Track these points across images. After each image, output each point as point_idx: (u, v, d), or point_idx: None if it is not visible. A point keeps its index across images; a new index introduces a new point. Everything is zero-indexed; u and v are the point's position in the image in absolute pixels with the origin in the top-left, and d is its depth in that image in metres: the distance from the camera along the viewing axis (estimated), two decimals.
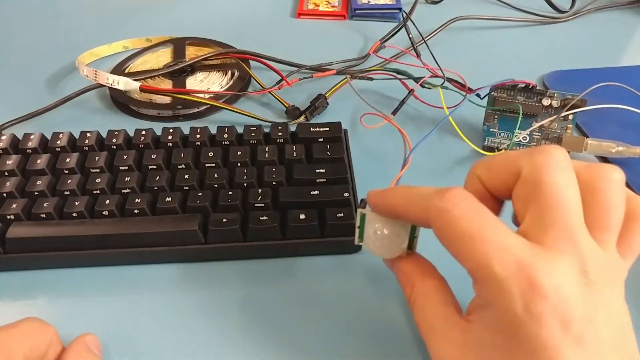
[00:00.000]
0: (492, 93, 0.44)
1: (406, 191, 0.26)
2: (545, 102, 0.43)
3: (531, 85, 0.43)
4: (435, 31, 0.58)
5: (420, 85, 0.47)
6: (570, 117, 0.43)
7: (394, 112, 0.46)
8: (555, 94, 0.43)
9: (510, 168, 0.24)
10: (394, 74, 0.49)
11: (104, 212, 0.35)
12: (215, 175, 0.37)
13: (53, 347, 0.27)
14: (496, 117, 0.45)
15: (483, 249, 0.22)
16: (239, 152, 0.39)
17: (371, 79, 0.51)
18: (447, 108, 0.47)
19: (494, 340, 0.22)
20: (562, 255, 0.22)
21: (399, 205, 0.26)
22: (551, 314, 0.21)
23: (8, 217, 0.35)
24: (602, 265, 0.22)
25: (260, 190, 0.36)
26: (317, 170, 0.38)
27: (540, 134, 0.43)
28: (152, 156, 0.39)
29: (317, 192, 0.36)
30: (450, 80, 0.47)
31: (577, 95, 0.42)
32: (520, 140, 0.43)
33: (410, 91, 0.48)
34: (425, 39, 0.54)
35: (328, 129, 0.41)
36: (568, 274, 0.21)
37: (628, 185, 0.41)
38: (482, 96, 0.45)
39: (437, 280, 0.28)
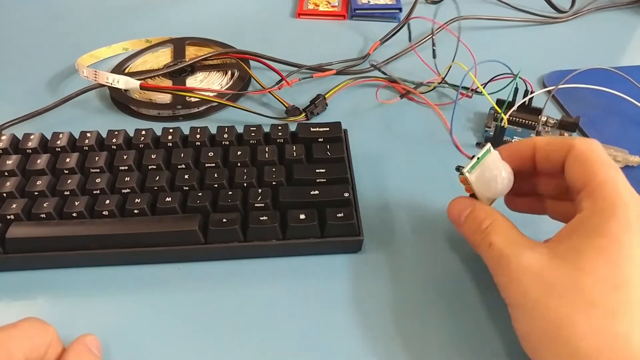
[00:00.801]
0: (491, 111, 0.46)
1: (544, 137, 0.32)
2: (542, 118, 0.45)
3: (531, 91, 0.44)
4: (437, 30, 0.58)
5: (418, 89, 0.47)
6: (566, 134, 0.44)
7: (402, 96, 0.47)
8: (549, 116, 0.45)
9: (564, 141, 0.30)
10: (390, 80, 0.50)
11: (104, 212, 0.35)
12: (215, 175, 0.37)
13: (53, 347, 0.27)
14: (494, 123, 0.45)
15: (614, 173, 0.27)
16: (239, 152, 0.39)
17: (370, 77, 0.51)
18: (443, 104, 0.48)
19: (590, 242, 0.25)
20: None
21: (538, 143, 0.31)
22: None
23: (8, 217, 0.35)
24: None
25: (260, 190, 0.36)
26: (317, 170, 0.38)
27: None
28: (152, 156, 0.39)
29: (317, 192, 0.36)
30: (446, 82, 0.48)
31: (571, 117, 0.45)
32: None
33: (404, 95, 0.48)
34: (435, 32, 0.54)
35: (328, 129, 0.41)
36: None
37: None
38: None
39: (514, 224, 0.30)
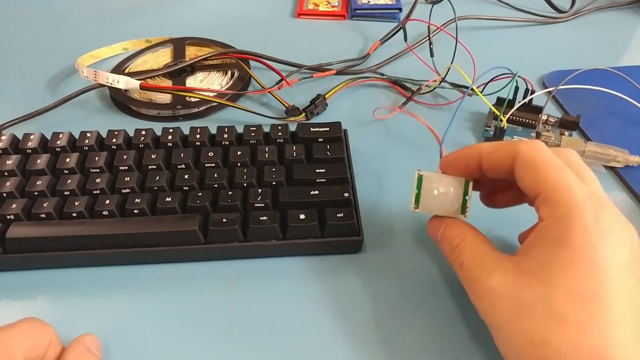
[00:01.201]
0: (491, 110, 0.45)
1: (489, 143, 0.31)
2: (543, 117, 0.45)
3: (531, 91, 0.44)
4: (435, 31, 0.58)
5: (419, 92, 0.47)
6: (566, 133, 0.44)
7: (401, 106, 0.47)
8: (549, 115, 0.45)
9: (509, 148, 0.29)
10: (391, 82, 0.50)
11: (104, 212, 0.35)
12: (215, 175, 0.37)
13: (52, 347, 0.27)
14: (494, 122, 0.45)
15: (566, 176, 0.26)
16: (239, 152, 0.39)
17: (370, 77, 0.51)
18: (442, 105, 0.48)
19: (555, 255, 0.25)
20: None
21: (483, 151, 0.30)
22: (612, 235, 0.25)
23: (8, 217, 0.35)
24: None
25: (260, 190, 0.36)
26: (317, 170, 0.38)
27: None
28: (152, 156, 0.39)
29: (317, 192, 0.36)
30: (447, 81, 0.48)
31: (572, 116, 0.45)
32: None
33: (409, 98, 0.48)
34: (434, 33, 0.54)
35: (328, 129, 0.41)
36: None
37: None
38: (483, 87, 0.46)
39: (485, 237, 0.30)
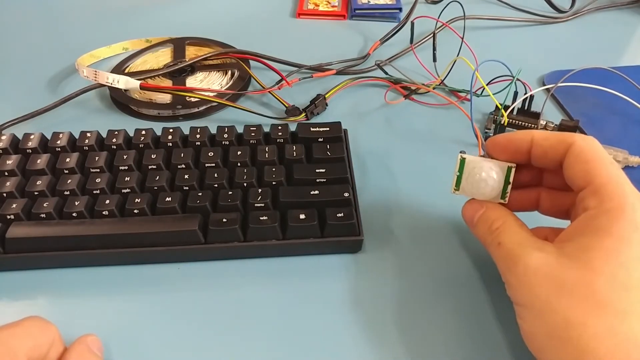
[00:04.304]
0: (491, 115, 0.46)
1: (542, 130, 0.32)
2: (542, 122, 0.45)
3: (530, 94, 0.44)
4: (439, 28, 0.58)
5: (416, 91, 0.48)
6: None
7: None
8: (548, 121, 0.45)
9: (564, 137, 0.29)
10: (391, 81, 0.50)
11: (104, 212, 0.35)
12: (215, 175, 0.37)
13: (55, 346, 0.27)
14: (494, 123, 0.45)
15: (618, 173, 0.27)
16: (239, 152, 0.39)
17: (370, 77, 0.51)
18: (443, 105, 0.48)
19: (599, 242, 0.25)
20: None
21: (536, 137, 0.30)
22: None
23: (8, 217, 0.35)
24: None
25: (260, 190, 0.36)
26: (317, 170, 0.38)
27: None
28: (152, 156, 0.39)
29: (317, 192, 0.36)
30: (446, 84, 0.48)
31: (570, 121, 0.45)
32: None
33: (407, 95, 0.48)
34: (437, 32, 0.54)
35: (328, 128, 0.41)
36: None
37: None
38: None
39: (524, 223, 0.30)
